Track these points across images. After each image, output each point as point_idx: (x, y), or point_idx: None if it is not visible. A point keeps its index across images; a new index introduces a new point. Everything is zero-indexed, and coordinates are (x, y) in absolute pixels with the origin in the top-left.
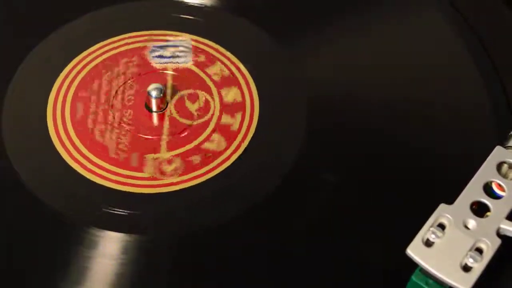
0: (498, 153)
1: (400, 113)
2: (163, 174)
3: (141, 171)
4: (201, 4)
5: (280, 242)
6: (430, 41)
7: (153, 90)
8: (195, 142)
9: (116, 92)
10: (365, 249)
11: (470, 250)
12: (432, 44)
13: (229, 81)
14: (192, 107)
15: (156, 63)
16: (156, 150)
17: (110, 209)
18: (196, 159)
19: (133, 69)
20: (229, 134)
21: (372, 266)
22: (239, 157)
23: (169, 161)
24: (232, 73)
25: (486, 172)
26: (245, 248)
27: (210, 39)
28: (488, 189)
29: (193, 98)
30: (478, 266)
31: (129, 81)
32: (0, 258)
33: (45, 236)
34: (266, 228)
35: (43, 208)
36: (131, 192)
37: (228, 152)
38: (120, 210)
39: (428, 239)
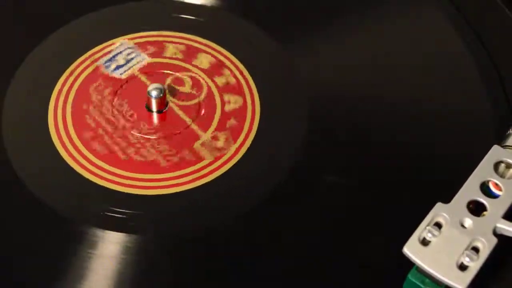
0: (495, 152)
1: (400, 113)
2: (222, 149)
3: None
4: (201, 4)
5: (280, 242)
6: (430, 41)
7: (153, 90)
8: (218, 112)
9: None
10: (363, 248)
11: (467, 249)
12: (432, 44)
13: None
14: (186, 89)
15: (120, 74)
16: (196, 137)
17: (110, 209)
18: (232, 122)
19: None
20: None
21: (368, 264)
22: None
23: (215, 138)
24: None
25: (483, 171)
26: (245, 248)
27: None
28: (485, 188)
29: (181, 82)
30: (474, 265)
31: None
32: (0, 258)
33: (45, 236)
34: (266, 228)
35: (43, 208)
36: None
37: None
38: (121, 210)
39: (424, 238)
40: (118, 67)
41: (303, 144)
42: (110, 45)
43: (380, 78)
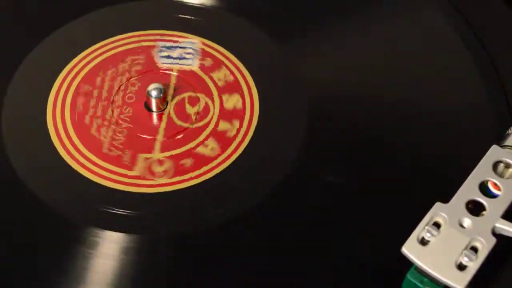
0: (494, 152)
1: (400, 113)
2: (153, 174)
3: (131, 169)
4: (201, 4)
5: (279, 242)
6: (430, 41)
7: (153, 90)
8: (189, 146)
9: (118, 89)
10: (362, 248)
11: (465, 249)
12: (432, 44)
13: (232, 87)
14: (191, 110)
15: (162, 63)
16: (149, 150)
17: (110, 209)
18: (187, 162)
19: (136, 68)
20: (224, 140)
21: (368, 264)
22: (238, 158)
23: (160, 162)
24: (233, 74)
25: (482, 171)
26: (245, 248)
27: (209, 39)
28: (484, 188)
29: (194, 101)
30: (473, 265)
31: (131, 79)
32: (0, 258)
33: (45, 236)
34: (266, 228)
35: (43, 208)
36: (131, 192)
37: (228, 151)
38: (120, 210)
39: (423, 238)
40: (168, 57)
41: (303, 144)
42: (184, 37)
43: (380, 78)
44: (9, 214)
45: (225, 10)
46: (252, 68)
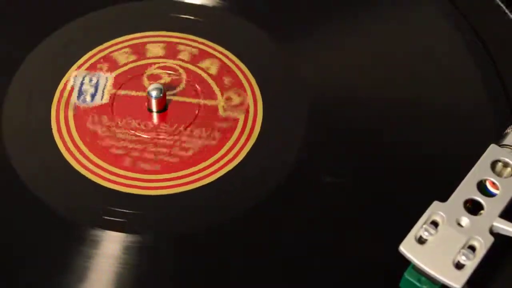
0: (492, 151)
1: (399, 113)
2: (242, 104)
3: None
4: (201, 4)
5: (280, 242)
6: (430, 41)
7: (153, 90)
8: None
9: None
10: (360, 247)
11: (463, 247)
12: (432, 44)
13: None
14: (167, 79)
15: (101, 99)
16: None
17: (110, 209)
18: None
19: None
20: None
21: (366, 263)
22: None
23: (228, 98)
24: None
25: (480, 170)
26: (245, 248)
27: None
28: (482, 187)
29: (158, 77)
30: (471, 264)
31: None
32: (0, 258)
33: (45, 236)
34: (266, 228)
35: (43, 208)
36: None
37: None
38: (121, 210)
39: (421, 236)
40: (93, 96)
41: (303, 144)
42: (66, 83)
43: (380, 78)
44: (9, 214)
45: (225, 10)
46: (252, 68)
